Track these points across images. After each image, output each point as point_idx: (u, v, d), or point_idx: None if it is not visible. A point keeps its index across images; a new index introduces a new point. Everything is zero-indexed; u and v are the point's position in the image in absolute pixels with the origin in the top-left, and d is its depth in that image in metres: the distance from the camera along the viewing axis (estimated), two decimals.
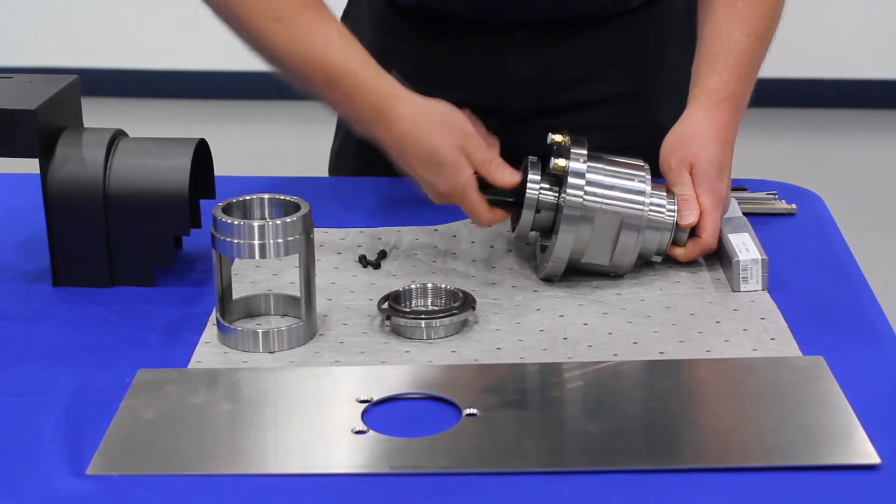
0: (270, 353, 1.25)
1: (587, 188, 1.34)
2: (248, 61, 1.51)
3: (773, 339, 1.26)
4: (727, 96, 1.44)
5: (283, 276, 1.39)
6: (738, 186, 1.54)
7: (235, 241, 1.24)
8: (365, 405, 1.14)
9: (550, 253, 1.35)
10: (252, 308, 1.32)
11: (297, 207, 1.27)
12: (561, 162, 1.35)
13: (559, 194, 1.35)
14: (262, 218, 1.29)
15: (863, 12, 4.54)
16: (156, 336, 1.28)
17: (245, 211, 1.29)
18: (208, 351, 1.25)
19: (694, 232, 1.38)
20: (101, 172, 1.36)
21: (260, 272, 1.40)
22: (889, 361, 1.22)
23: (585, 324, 1.29)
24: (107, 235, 1.36)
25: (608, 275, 1.38)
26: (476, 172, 1.36)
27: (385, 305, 1.30)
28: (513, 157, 1.39)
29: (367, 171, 1.65)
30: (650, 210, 1.36)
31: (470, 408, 1.13)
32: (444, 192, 1.37)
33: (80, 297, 1.36)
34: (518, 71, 1.61)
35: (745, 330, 1.28)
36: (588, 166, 1.35)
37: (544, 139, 1.38)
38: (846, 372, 1.18)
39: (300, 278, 1.27)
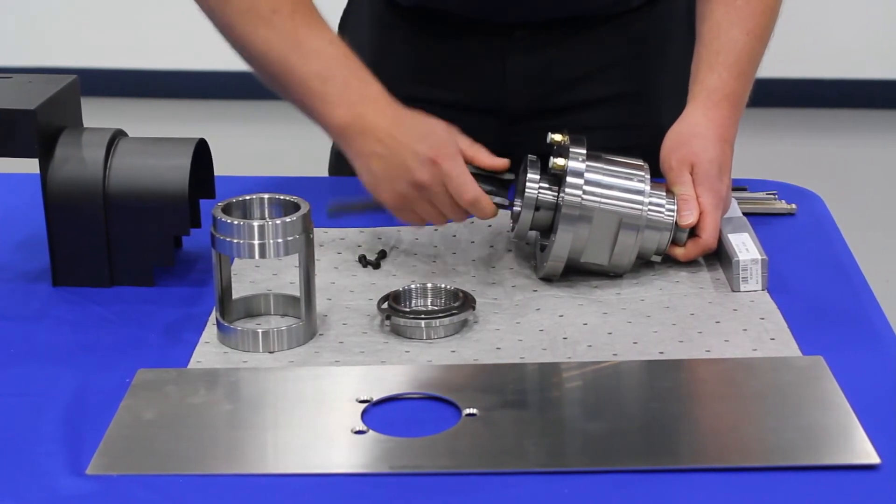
0: (270, 353, 1.25)
1: (586, 188, 1.34)
2: None
3: (772, 339, 1.26)
4: (727, 95, 1.44)
5: (283, 276, 1.39)
6: (738, 186, 1.54)
7: (235, 240, 1.24)
8: (365, 405, 1.14)
9: (549, 252, 1.35)
10: (252, 308, 1.32)
11: (296, 207, 1.27)
12: (560, 161, 1.35)
13: (558, 193, 1.35)
14: (262, 218, 1.29)
15: (863, 12, 4.54)
16: (156, 336, 1.28)
17: (245, 211, 1.29)
18: (208, 351, 1.25)
19: (694, 232, 1.38)
20: (100, 172, 1.36)
21: (260, 272, 1.40)
22: (889, 361, 1.22)
23: (585, 324, 1.29)
24: (107, 235, 1.36)
25: (608, 274, 1.38)
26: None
27: (385, 305, 1.30)
28: (513, 157, 1.40)
29: None
30: (649, 210, 1.36)
31: (470, 408, 1.13)
32: (431, 158, 1.33)
33: (80, 297, 1.36)
34: (518, 71, 1.61)
35: (745, 330, 1.27)
36: (587, 166, 1.35)
37: (544, 139, 1.38)
38: (846, 372, 1.18)
39: (300, 278, 1.27)
